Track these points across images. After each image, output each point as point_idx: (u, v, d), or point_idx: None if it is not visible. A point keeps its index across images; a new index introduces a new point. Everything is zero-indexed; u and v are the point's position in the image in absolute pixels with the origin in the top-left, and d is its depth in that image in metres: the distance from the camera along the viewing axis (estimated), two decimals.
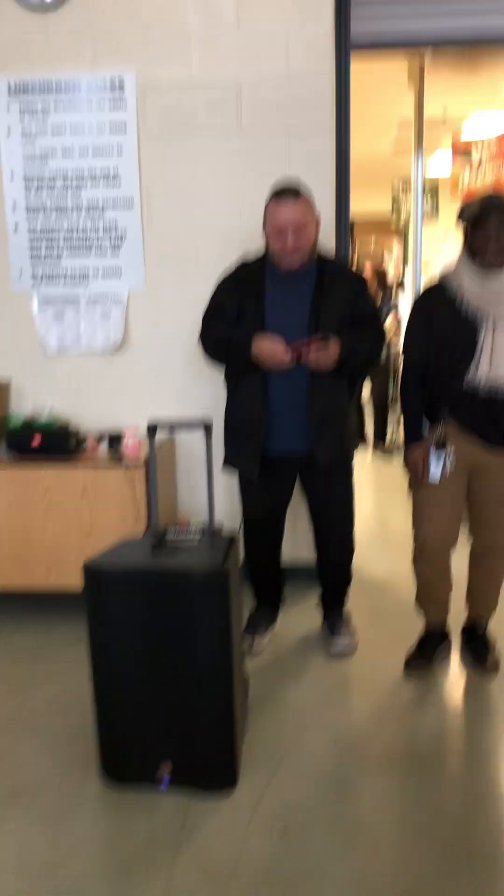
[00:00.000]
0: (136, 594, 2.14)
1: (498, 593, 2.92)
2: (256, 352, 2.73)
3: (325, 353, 2.69)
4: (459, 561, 2.86)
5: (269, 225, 2.74)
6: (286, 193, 2.71)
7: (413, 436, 2.72)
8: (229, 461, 2.96)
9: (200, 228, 3.39)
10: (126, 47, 3.26)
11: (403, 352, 2.74)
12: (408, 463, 2.74)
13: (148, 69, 3.27)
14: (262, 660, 3.02)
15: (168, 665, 2.16)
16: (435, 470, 2.67)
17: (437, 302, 2.63)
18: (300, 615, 3.36)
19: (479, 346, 2.53)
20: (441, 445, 2.64)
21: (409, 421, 2.73)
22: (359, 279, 2.95)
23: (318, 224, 2.78)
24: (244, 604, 3.07)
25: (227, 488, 3.55)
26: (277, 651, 3.10)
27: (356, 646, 3.10)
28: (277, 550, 3.17)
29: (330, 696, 2.76)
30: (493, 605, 2.95)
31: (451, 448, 2.63)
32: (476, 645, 2.95)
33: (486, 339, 2.52)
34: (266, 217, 2.76)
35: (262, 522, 3.07)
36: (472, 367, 2.54)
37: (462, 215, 2.57)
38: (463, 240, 2.59)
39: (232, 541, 2.38)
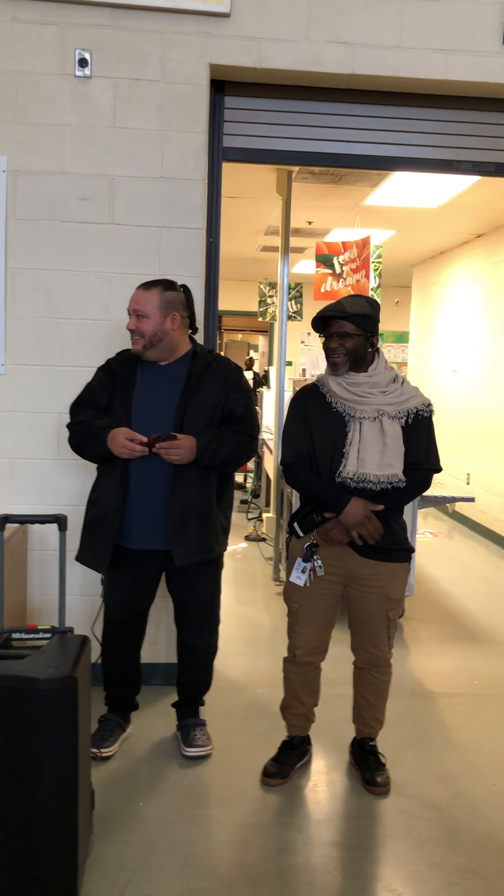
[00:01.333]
0: None
1: (383, 707, 2.85)
2: (110, 440, 2.69)
3: (175, 450, 2.66)
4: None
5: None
6: (141, 284, 2.83)
7: (338, 503, 2.58)
8: (80, 554, 2.84)
9: (67, 315, 3.33)
10: (0, 133, 3.24)
11: (284, 448, 2.73)
12: (345, 524, 2.57)
13: (21, 156, 3.25)
14: (112, 768, 2.84)
15: (4, 783, 1.97)
16: (299, 576, 2.66)
17: (312, 402, 2.70)
18: (154, 718, 3.21)
19: (347, 443, 2.58)
20: (309, 556, 2.64)
21: (325, 494, 2.62)
22: (232, 371, 2.92)
23: (172, 319, 2.78)
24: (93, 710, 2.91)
25: (85, 583, 3.40)
26: (129, 758, 2.92)
27: (210, 752, 2.97)
28: (137, 651, 3.03)
29: (182, 809, 2.60)
30: (379, 720, 2.86)
31: (317, 557, 2.64)
32: (367, 761, 2.84)
33: (353, 436, 2.58)
34: None
35: (123, 620, 2.94)
36: (342, 462, 2.59)
37: (314, 325, 2.71)
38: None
39: (84, 642, 2.24)
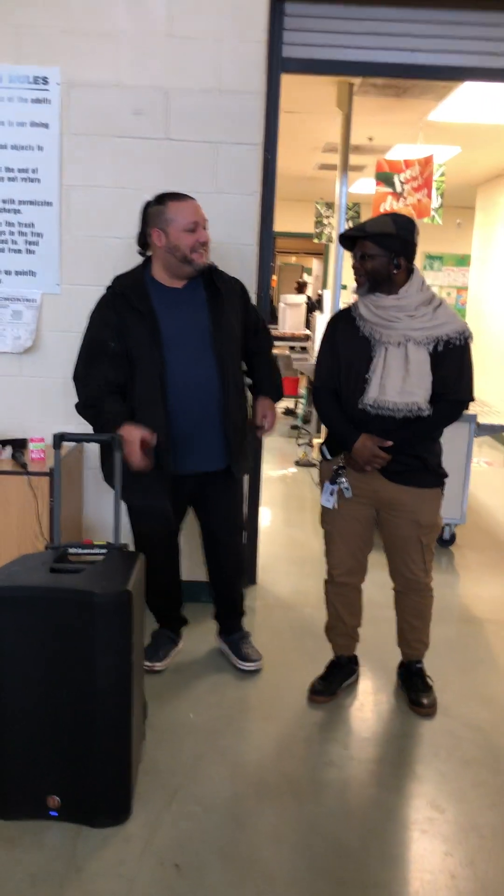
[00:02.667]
0: (31, 616, 2.03)
1: (427, 630, 2.87)
2: (125, 437, 2.51)
3: (272, 425, 2.89)
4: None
5: (177, 224, 2.60)
6: (184, 196, 2.66)
7: (347, 440, 2.59)
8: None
9: (121, 233, 3.29)
10: (52, 43, 3.15)
11: (315, 375, 2.73)
12: (358, 461, 2.59)
13: (74, 67, 3.17)
14: (163, 680, 2.93)
15: (63, 691, 2.05)
16: (328, 499, 2.66)
17: (343, 326, 2.64)
18: (205, 634, 3.29)
19: (371, 369, 2.53)
20: (335, 478, 2.63)
21: (339, 430, 2.63)
22: (240, 284, 2.89)
23: None
24: (146, 624, 3.00)
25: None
26: (180, 671, 3.01)
27: (261, 664, 3.05)
28: (176, 565, 3.07)
29: (231, 720, 2.69)
30: (424, 642, 2.89)
31: (344, 479, 2.63)
32: (413, 683, 2.88)
33: (377, 362, 2.53)
34: (169, 221, 2.60)
35: (162, 540, 2.95)
36: (365, 388, 2.54)
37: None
38: None
39: (138, 558, 2.29)
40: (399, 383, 2.49)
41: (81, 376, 2.70)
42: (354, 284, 2.61)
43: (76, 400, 2.71)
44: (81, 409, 2.69)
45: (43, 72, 3.18)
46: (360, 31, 3.38)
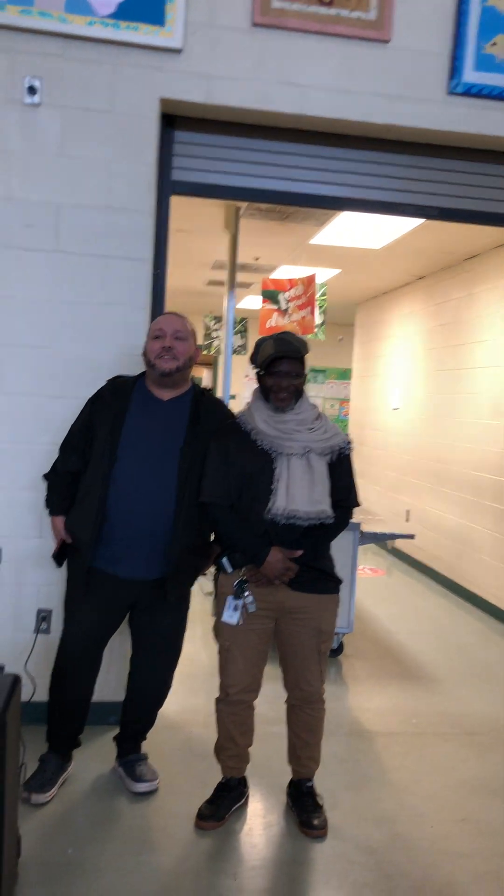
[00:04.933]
0: None
1: (318, 746, 2.80)
2: (54, 528, 2.92)
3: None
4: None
5: (150, 332, 2.82)
6: (171, 313, 2.86)
7: (256, 553, 2.57)
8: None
9: (6, 340, 3.26)
10: None
11: (204, 488, 2.66)
12: (269, 575, 2.57)
13: None
14: (42, 811, 2.72)
15: None
16: (231, 615, 2.62)
17: (236, 440, 2.66)
18: (91, 756, 3.09)
19: (275, 480, 2.56)
20: (240, 593, 2.60)
21: (246, 545, 2.59)
22: (228, 419, 2.88)
23: (197, 353, 2.87)
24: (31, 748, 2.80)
25: (20, 617, 3.30)
26: (61, 801, 2.81)
27: (158, 785, 2.92)
28: (91, 688, 2.93)
29: (113, 855, 2.51)
30: (315, 759, 2.81)
31: (248, 593, 2.60)
32: (303, 803, 2.78)
33: (281, 472, 2.57)
34: (148, 329, 2.89)
35: (83, 654, 2.83)
36: (272, 499, 2.56)
37: (254, 359, 2.67)
38: (257, 380, 2.68)
39: (15, 682, 2.15)
40: (307, 492, 2.54)
41: (56, 460, 2.94)
42: (253, 400, 2.69)
43: None
44: (47, 484, 2.96)
45: None
46: (245, 160, 3.59)
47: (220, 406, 2.92)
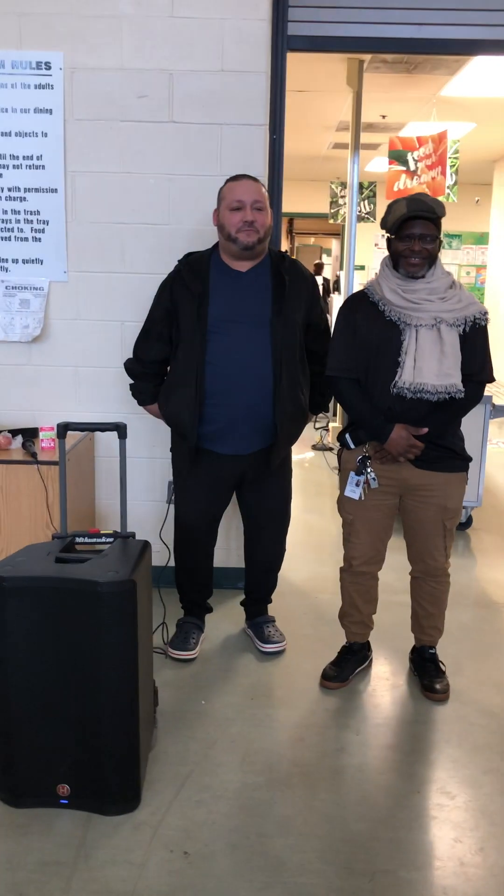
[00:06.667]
0: (37, 604, 2.03)
1: (442, 616, 2.85)
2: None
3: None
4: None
5: (225, 202, 2.68)
6: (242, 176, 2.72)
7: (381, 432, 2.55)
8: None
9: (127, 218, 3.27)
10: (54, 29, 3.12)
11: (331, 360, 2.63)
12: (392, 453, 2.56)
13: (77, 52, 3.14)
14: (175, 668, 2.93)
15: (70, 678, 2.06)
16: (353, 490, 2.63)
17: (364, 310, 2.58)
18: (221, 619, 3.28)
19: (402, 352, 2.49)
20: (362, 469, 2.60)
21: (370, 421, 2.58)
22: (313, 282, 2.90)
23: (272, 217, 2.77)
24: (171, 612, 3.00)
25: (153, 489, 3.47)
26: (196, 658, 3.00)
27: (286, 646, 3.07)
28: (210, 556, 3.09)
29: (243, 708, 2.69)
30: (438, 629, 2.87)
31: (370, 470, 2.59)
32: (426, 668, 2.86)
33: (409, 344, 2.49)
34: (221, 199, 2.71)
35: (198, 527, 2.97)
36: (398, 372, 2.50)
37: (384, 223, 2.53)
38: (387, 246, 2.56)
39: (144, 547, 2.29)
40: (436, 365, 2.46)
41: (135, 349, 2.93)
42: (381, 268, 2.58)
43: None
44: (128, 374, 2.98)
45: (46, 57, 3.15)
46: (366, 5, 3.32)
47: (302, 268, 2.87)
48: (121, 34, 3.13)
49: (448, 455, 2.61)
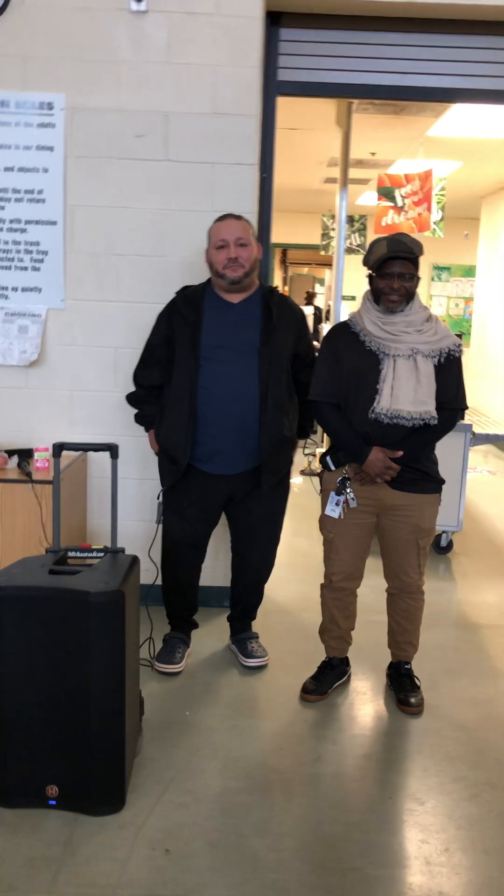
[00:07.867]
0: (31, 613, 2.15)
1: (417, 632, 2.98)
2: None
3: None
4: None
5: (212, 242, 2.87)
6: (227, 216, 2.90)
7: (359, 453, 2.70)
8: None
9: (122, 250, 3.44)
10: (57, 71, 3.30)
11: (314, 386, 2.79)
12: (369, 474, 2.70)
13: (78, 94, 3.32)
14: (161, 681, 3.05)
15: (61, 684, 2.17)
16: (333, 509, 2.78)
17: (345, 340, 2.75)
18: (206, 636, 3.40)
19: (381, 380, 2.65)
20: (341, 489, 2.75)
21: (349, 443, 2.73)
22: (302, 316, 3.08)
23: (259, 251, 2.93)
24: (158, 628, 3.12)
25: (142, 509, 3.59)
26: (181, 671, 3.13)
27: (267, 661, 3.20)
28: (197, 575, 3.21)
29: (225, 718, 2.80)
30: (413, 644, 2.99)
31: (349, 490, 2.74)
32: (401, 683, 2.98)
33: (387, 373, 2.64)
34: (209, 239, 2.90)
35: (188, 545, 3.10)
36: (377, 399, 2.66)
37: (366, 261, 2.70)
38: (368, 282, 2.73)
39: (133, 561, 2.41)
40: (411, 393, 2.62)
41: (135, 377, 3.10)
42: (363, 302, 2.75)
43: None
44: (131, 404, 3.15)
45: (48, 98, 3.33)
46: (353, 54, 3.52)
47: (291, 302, 3.05)
48: (119, 78, 3.31)
49: (422, 478, 2.76)
